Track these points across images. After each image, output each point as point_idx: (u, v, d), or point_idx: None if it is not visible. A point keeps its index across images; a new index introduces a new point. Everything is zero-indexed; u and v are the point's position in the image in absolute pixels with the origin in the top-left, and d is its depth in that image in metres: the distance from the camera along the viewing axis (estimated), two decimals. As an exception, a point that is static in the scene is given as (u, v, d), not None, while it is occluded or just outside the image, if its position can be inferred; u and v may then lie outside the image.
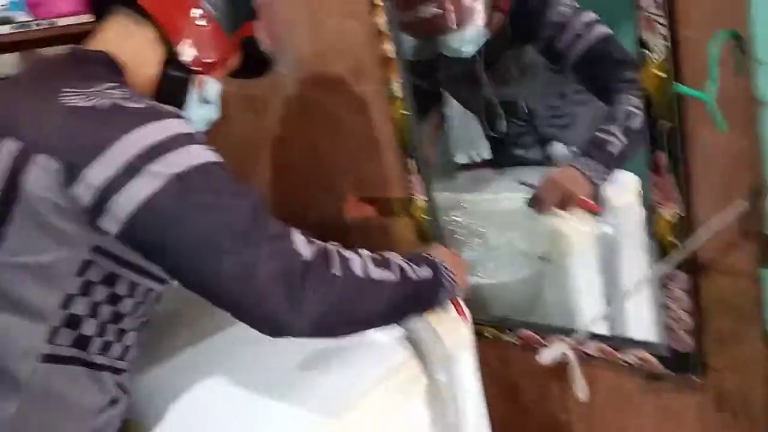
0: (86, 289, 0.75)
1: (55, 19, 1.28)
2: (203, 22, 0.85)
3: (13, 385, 0.73)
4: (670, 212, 0.91)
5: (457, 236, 1.36)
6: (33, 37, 1.28)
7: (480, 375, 1.05)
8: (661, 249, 0.93)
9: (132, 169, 0.69)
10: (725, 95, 0.73)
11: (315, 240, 0.78)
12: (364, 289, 0.78)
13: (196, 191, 0.71)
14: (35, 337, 0.73)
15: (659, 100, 0.85)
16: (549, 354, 1.13)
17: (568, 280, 1.26)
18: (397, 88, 1.17)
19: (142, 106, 0.75)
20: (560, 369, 1.14)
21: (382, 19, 1.13)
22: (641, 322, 1.05)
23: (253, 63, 0.97)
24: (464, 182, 1.46)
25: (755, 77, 0.69)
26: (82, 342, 0.76)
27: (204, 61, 0.87)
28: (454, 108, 1.47)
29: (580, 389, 1.13)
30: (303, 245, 0.75)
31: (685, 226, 0.90)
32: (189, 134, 0.75)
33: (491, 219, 1.34)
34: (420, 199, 1.25)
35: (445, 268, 0.91)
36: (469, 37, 1.16)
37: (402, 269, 0.84)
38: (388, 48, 1.15)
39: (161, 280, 0.82)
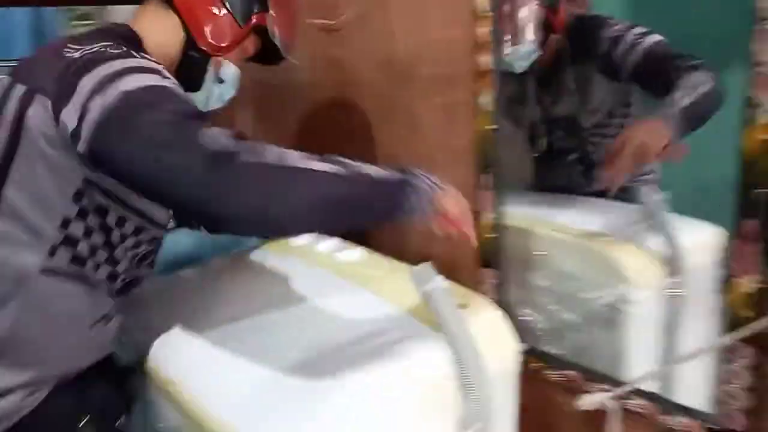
0: (82, 215, 0.87)
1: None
2: (218, 12, 0.99)
3: (14, 294, 0.86)
4: (749, 283, 0.85)
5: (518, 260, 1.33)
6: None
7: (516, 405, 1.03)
8: (732, 319, 0.88)
9: (93, 93, 0.80)
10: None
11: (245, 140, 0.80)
12: (289, 176, 0.77)
13: (140, 103, 0.79)
14: (38, 252, 0.86)
15: (764, 166, 0.79)
16: (590, 400, 1.10)
17: (626, 330, 1.21)
18: (487, 101, 1.16)
19: (120, 51, 0.86)
20: (599, 418, 1.10)
21: (484, 30, 1.11)
22: (694, 388, 0.99)
23: (266, 51, 1.09)
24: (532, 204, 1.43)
25: None
26: (78, 260, 0.89)
27: (217, 45, 1.00)
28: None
29: (616, 444, 1.09)
30: (228, 140, 0.78)
31: (764, 299, 0.84)
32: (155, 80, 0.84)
33: (556, 247, 1.31)
34: (488, 216, 1.23)
35: (424, 176, 0.88)
36: (521, 53, 1.19)
37: (358, 171, 0.82)
38: (486, 60, 1.13)
39: (149, 219, 0.94)
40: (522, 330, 1.29)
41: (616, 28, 1.18)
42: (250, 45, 1.07)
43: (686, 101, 1.04)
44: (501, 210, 1.22)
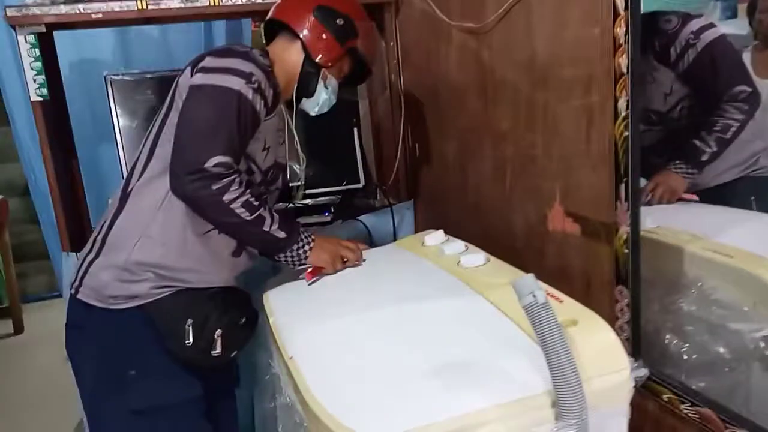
0: None
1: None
2: (325, 36, 1.37)
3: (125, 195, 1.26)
4: None
5: (662, 280, 1.21)
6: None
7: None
8: None
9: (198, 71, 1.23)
10: None
11: (230, 174, 1.17)
12: (221, 209, 1.17)
13: (202, 96, 1.19)
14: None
15: None
16: (726, 445, 0.97)
17: (761, 373, 1.04)
18: (623, 104, 1.07)
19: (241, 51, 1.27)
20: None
21: (621, 30, 1.03)
22: None
23: (356, 71, 1.48)
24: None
25: None
26: None
27: (325, 59, 1.38)
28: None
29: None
30: (220, 170, 1.15)
31: None
32: (244, 81, 1.21)
33: (708, 269, 1.16)
34: (624, 230, 1.14)
35: (304, 247, 1.29)
36: None
37: (263, 219, 1.22)
38: (622, 61, 1.05)
39: (252, 160, 1.30)
40: (660, 357, 1.18)
41: (672, 19, 1.22)
42: (345, 65, 1.44)
43: (706, 155, 1.24)
44: (637, 223, 1.11)
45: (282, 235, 1.24)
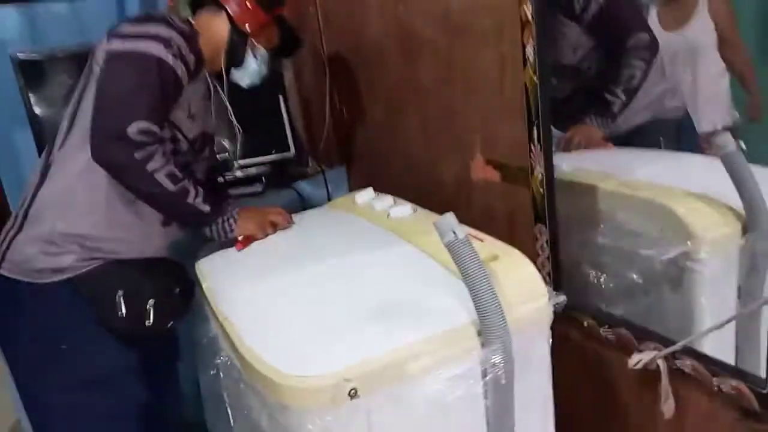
0: None
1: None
2: (250, 6, 1.36)
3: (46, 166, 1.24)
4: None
5: (576, 217, 1.28)
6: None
7: (550, 360, 1.02)
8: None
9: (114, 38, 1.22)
10: None
11: (153, 143, 1.16)
12: (144, 178, 1.16)
13: (120, 62, 1.18)
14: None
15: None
16: (639, 358, 1.06)
17: (691, 290, 1.13)
18: (530, 51, 1.12)
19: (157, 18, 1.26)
20: (651, 378, 1.06)
21: (524, -23, 1.08)
22: (748, 352, 0.92)
23: (286, 41, 1.47)
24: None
25: None
26: None
27: (251, 29, 1.37)
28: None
29: (666, 404, 1.05)
30: (142, 136, 1.14)
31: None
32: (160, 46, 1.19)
33: (616, 202, 1.25)
34: (539, 171, 1.20)
35: (229, 219, 1.30)
36: None
37: (187, 191, 1.21)
38: (527, 8, 1.09)
39: (178, 129, 1.29)
40: (581, 289, 1.26)
41: None
42: (273, 34, 1.43)
43: (617, 107, 1.35)
44: (551, 164, 1.18)
45: (206, 208, 1.25)
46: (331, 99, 2.04)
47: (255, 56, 1.39)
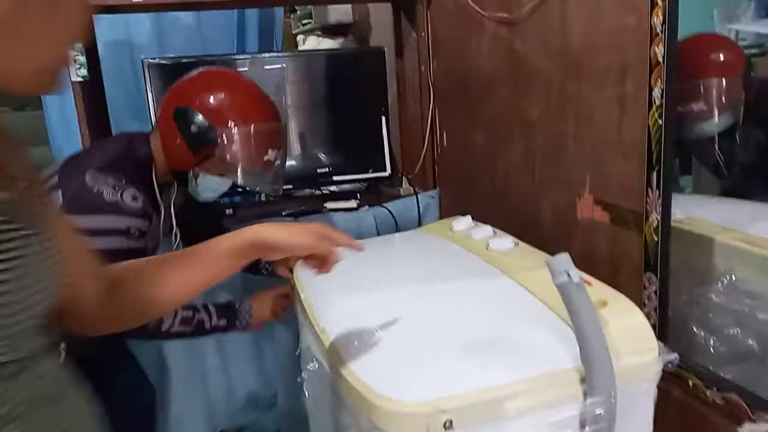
0: None
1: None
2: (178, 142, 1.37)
3: None
4: None
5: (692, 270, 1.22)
6: None
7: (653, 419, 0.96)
8: None
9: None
10: None
11: None
12: (163, 338, 1.35)
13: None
14: None
15: None
16: (751, 429, 0.99)
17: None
18: (658, 93, 1.08)
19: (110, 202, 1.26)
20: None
21: (658, 19, 1.04)
22: None
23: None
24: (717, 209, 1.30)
25: None
26: None
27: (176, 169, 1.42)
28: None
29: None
30: None
31: None
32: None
33: (737, 260, 1.17)
34: (654, 217, 1.15)
35: (245, 315, 1.46)
36: None
37: (202, 323, 1.36)
38: (658, 51, 1.06)
39: None
40: (687, 347, 1.19)
41: None
42: (213, 167, 1.38)
43: None
44: (668, 210, 1.13)
45: (223, 323, 1.41)
46: (431, 123, 2.06)
47: (197, 184, 1.40)
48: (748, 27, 1.91)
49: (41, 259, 0.59)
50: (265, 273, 1.65)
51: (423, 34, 2.01)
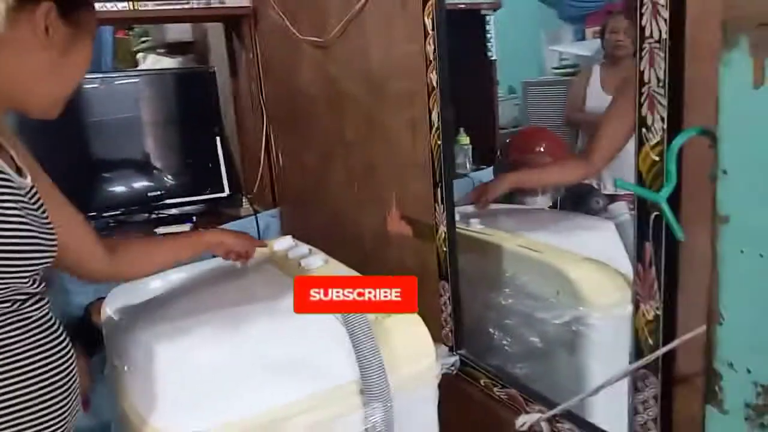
0: None
1: None
2: None
3: None
4: (650, 310, 0.82)
5: (480, 276, 1.33)
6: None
7: (437, 419, 1.04)
8: (638, 347, 0.85)
9: None
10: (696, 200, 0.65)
11: None
12: None
13: None
14: None
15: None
16: (524, 420, 1.08)
17: (583, 353, 1.18)
18: (435, 117, 1.17)
19: None
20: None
21: (430, 48, 1.13)
22: (614, 417, 0.96)
23: None
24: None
25: (717, 187, 0.61)
26: None
27: None
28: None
29: (547, 466, 1.07)
30: None
31: (666, 328, 0.81)
32: None
33: (518, 263, 1.29)
34: (443, 230, 1.24)
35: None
36: None
37: None
38: (433, 77, 1.15)
39: None
40: (485, 349, 1.29)
41: None
42: None
43: None
44: (452, 223, 1.22)
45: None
46: (267, 143, 2.07)
47: None
48: (569, 49, 2.13)
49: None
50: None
51: (251, 54, 2.03)
